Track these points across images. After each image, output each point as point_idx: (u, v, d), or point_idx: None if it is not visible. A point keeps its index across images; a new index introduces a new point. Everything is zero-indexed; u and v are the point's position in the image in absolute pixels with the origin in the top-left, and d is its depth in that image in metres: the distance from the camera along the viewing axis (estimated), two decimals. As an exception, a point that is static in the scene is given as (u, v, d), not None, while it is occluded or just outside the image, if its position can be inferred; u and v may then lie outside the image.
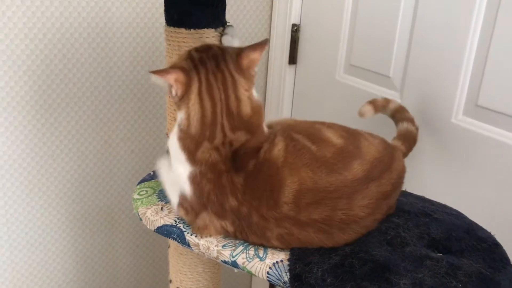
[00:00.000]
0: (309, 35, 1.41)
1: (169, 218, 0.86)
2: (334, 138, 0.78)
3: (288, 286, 0.73)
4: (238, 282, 1.72)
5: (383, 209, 0.79)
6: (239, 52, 0.76)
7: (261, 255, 0.76)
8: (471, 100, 1.03)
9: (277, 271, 0.74)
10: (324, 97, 1.39)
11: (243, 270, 0.77)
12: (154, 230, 0.86)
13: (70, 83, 1.24)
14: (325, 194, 0.73)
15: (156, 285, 1.59)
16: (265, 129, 0.79)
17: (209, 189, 0.76)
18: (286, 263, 0.75)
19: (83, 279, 1.44)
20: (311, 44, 1.40)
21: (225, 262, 0.78)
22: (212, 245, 0.79)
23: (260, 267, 0.75)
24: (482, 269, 0.73)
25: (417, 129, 0.99)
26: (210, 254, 0.80)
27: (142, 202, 0.92)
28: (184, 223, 0.84)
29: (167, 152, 0.83)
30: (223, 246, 0.79)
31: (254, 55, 0.76)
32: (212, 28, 0.88)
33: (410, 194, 0.93)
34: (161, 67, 0.88)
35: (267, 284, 1.67)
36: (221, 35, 0.90)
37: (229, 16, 0.91)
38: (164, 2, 0.88)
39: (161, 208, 0.89)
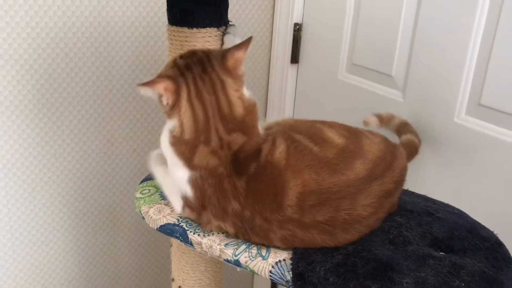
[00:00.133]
0: (311, 34, 1.41)
1: (171, 216, 0.86)
2: (336, 137, 0.78)
3: (291, 285, 0.73)
4: (240, 281, 1.72)
5: (385, 208, 0.79)
6: (224, 53, 0.76)
7: (263, 254, 0.76)
8: (474, 99, 1.02)
9: (280, 270, 0.74)
10: (326, 97, 1.39)
11: (245, 269, 0.77)
12: (157, 228, 0.86)
13: (73, 82, 1.24)
14: (329, 195, 0.72)
15: (158, 283, 1.59)
16: (260, 129, 0.79)
17: (211, 193, 0.76)
18: (288, 262, 0.75)
19: (85, 277, 1.44)
20: (313, 43, 1.40)
21: (227, 260, 0.78)
22: (214, 244, 0.79)
23: (263, 266, 0.75)
24: (485, 268, 0.73)
25: (420, 142, 0.98)
26: (212, 252, 0.80)
27: (144, 201, 0.92)
28: (186, 222, 0.84)
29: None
30: (226, 244, 0.79)
31: (239, 54, 0.76)
32: (215, 27, 0.88)
33: (413, 193, 0.93)
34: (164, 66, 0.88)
35: (269, 282, 1.67)
36: (223, 34, 0.90)
37: (231, 15, 0.91)
38: (167, 1, 0.88)
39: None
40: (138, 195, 0.94)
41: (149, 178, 1.01)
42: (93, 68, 1.26)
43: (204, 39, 0.87)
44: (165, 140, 0.78)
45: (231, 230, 0.78)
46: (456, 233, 0.80)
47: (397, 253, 0.74)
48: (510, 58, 0.95)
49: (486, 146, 1.00)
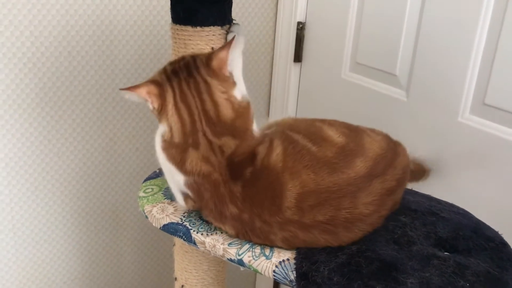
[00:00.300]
0: (314, 33, 1.40)
1: (175, 216, 0.86)
2: (335, 136, 0.77)
3: (295, 285, 0.73)
4: (243, 280, 1.72)
5: (388, 205, 0.78)
6: (209, 55, 0.76)
7: (267, 253, 0.76)
8: (478, 98, 1.02)
9: (284, 270, 0.74)
10: (329, 96, 1.39)
11: (249, 268, 0.77)
12: (160, 228, 0.86)
13: (76, 81, 1.24)
14: (329, 194, 0.72)
15: (161, 282, 1.59)
16: (255, 131, 0.78)
17: (208, 197, 0.76)
18: (292, 261, 0.74)
19: (88, 276, 1.44)
20: (317, 42, 1.40)
21: (231, 260, 0.78)
22: (218, 243, 0.79)
23: (266, 266, 0.75)
24: (490, 268, 0.72)
25: (430, 170, 0.96)
26: (216, 252, 0.79)
27: (147, 199, 0.92)
28: (190, 221, 0.84)
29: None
30: (229, 244, 0.79)
31: (222, 54, 0.75)
32: (218, 25, 0.88)
33: (417, 193, 0.93)
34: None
35: (272, 282, 1.67)
36: (227, 33, 0.90)
37: (234, 14, 0.91)
38: (170, 0, 0.88)
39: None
40: (141, 194, 0.94)
41: (152, 177, 1.01)
42: (96, 66, 1.25)
43: (207, 37, 0.87)
44: (157, 145, 0.78)
45: (231, 232, 0.78)
46: (460, 233, 0.79)
47: (401, 253, 0.74)
48: (515, 57, 0.94)
49: (490, 146, 1.00)
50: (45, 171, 1.28)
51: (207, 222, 0.83)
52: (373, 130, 0.83)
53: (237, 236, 0.78)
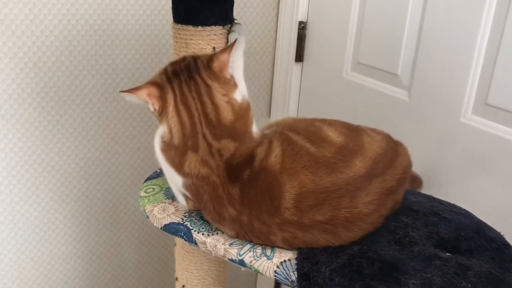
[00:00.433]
0: (316, 33, 1.40)
1: (176, 216, 0.86)
2: (335, 136, 0.77)
3: (296, 285, 0.73)
4: (244, 280, 1.72)
5: (388, 205, 0.78)
6: (210, 57, 0.76)
7: (268, 253, 0.76)
8: (481, 98, 1.02)
9: (285, 270, 0.74)
10: (331, 95, 1.38)
11: (250, 268, 0.77)
12: (161, 227, 0.86)
13: (77, 80, 1.24)
14: (327, 194, 0.72)
15: (162, 282, 1.59)
16: (255, 132, 0.77)
17: (206, 199, 0.76)
18: (293, 262, 0.74)
19: (89, 276, 1.44)
20: (318, 41, 1.40)
21: (232, 260, 0.78)
22: (219, 243, 0.79)
23: (268, 266, 0.74)
24: (492, 269, 0.72)
25: (422, 183, 0.97)
26: (217, 252, 0.79)
27: (148, 199, 0.91)
28: (191, 221, 0.84)
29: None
30: (230, 244, 0.78)
31: (224, 56, 0.75)
32: (220, 25, 0.88)
33: (419, 193, 0.92)
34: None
35: (273, 282, 1.67)
36: (229, 32, 0.90)
37: (235, 13, 0.90)
38: (172, -1, 0.88)
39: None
40: (142, 193, 0.94)
41: (153, 176, 1.01)
42: (97, 66, 1.25)
43: (209, 37, 0.87)
44: (156, 146, 0.78)
45: (230, 233, 0.78)
46: (462, 233, 0.79)
47: (403, 253, 0.73)
48: (518, 57, 0.94)
49: (492, 146, 1.00)
50: (46, 170, 1.28)
51: (208, 222, 0.82)
52: (373, 130, 0.83)
53: (237, 237, 0.78)
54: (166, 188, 0.95)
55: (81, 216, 1.37)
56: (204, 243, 0.80)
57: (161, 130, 0.77)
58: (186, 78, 0.75)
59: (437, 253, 0.75)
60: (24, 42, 1.15)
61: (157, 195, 0.93)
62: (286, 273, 0.74)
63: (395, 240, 0.76)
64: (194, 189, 0.76)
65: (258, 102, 1.55)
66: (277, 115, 1.54)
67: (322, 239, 0.74)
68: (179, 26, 0.87)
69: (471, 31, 1.00)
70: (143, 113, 1.36)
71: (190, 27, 0.86)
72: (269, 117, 1.58)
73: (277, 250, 0.77)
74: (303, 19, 1.42)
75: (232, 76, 0.77)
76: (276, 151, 0.74)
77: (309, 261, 0.73)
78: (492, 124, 1.00)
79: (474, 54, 1.00)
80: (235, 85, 0.77)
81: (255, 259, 0.76)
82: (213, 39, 0.88)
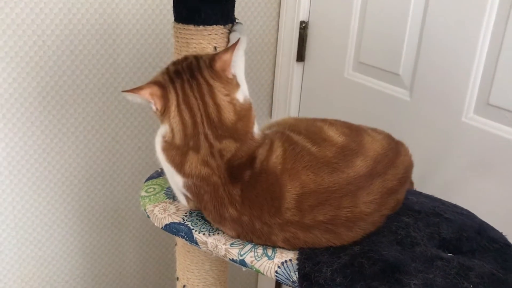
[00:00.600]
0: (317, 32, 1.40)
1: (177, 215, 0.86)
2: (336, 136, 0.77)
3: (297, 286, 0.72)
4: (245, 280, 1.72)
5: (389, 205, 0.78)
6: (212, 57, 0.75)
7: (269, 254, 0.76)
8: (482, 98, 1.01)
9: (286, 271, 0.74)
10: (332, 95, 1.38)
11: (251, 268, 0.76)
12: (162, 227, 0.86)
13: (78, 80, 1.24)
14: (328, 194, 0.72)
15: (163, 282, 1.59)
16: (256, 133, 0.77)
17: (207, 200, 0.76)
18: (295, 262, 0.74)
19: (90, 275, 1.44)
20: (320, 41, 1.39)
21: (233, 260, 0.78)
22: (220, 243, 0.79)
23: (269, 266, 0.74)
24: (494, 270, 0.72)
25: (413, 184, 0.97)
26: (218, 252, 0.79)
27: (149, 199, 0.91)
28: (192, 221, 0.84)
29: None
30: (231, 244, 0.78)
31: (226, 56, 0.74)
32: (221, 25, 0.87)
33: (420, 193, 0.92)
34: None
35: (274, 282, 1.66)
36: (230, 32, 0.89)
37: (237, 13, 0.90)
38: (173, -1, 0.88)
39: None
40: (143, 193, 0.94)
41: (154, 176, 1.00)
42: (98, 65, 1.25)
43: (210, 36, 0.87)
44: (157, 145, 0.78)
45: (231, 233, 0.78)
46: (464, 234, 0.79)
47: (404, 254, 0.73)
48: (520, 57, 0.94)
49: (494, 146, 0.99)
50: (48, 170, 1.28)
51: (209, 222, 0.82)
52: (374, 130, 0.83)
53: (238, 237, 0.78)
54: (167, 188, 0.95)
55: (82, 215, 1.37)
56: (205, 243, 0.80)
57: (163, 129, 0.77)
58: (188, 78, 0.75)
59: (439, 253, 0.75)
60: (25, 42, 1.15)
61: (158, 195, 0.93)
62: (287, 273, 0.73)
63: (396, 240, 0.76)
64: (194, 190, 0.76)
65: (259, 101, 1.54)
66: (278, 115, 1.54)
67: (323, 239, 0.74)
68: (180, 25, 0.87)
69: (473, 31, 1.00)
70: (144, 113, 1.36)
71: (191, 27, 0.86)
72: (270, 116, 1.58)
73: (278, 250, 0.76)
74: (305, 18, 1.41)
75: (234, 76, 0.76)
76: (277, 151, 0.74)
77: (310, 262, 0.72)
78: (494, 124, 1.00)
79: (476, 54, 1.00)
80: (237, 85, 0.77)
81: (256, 259, 0.75)
82: (214, 39, 0.87)
